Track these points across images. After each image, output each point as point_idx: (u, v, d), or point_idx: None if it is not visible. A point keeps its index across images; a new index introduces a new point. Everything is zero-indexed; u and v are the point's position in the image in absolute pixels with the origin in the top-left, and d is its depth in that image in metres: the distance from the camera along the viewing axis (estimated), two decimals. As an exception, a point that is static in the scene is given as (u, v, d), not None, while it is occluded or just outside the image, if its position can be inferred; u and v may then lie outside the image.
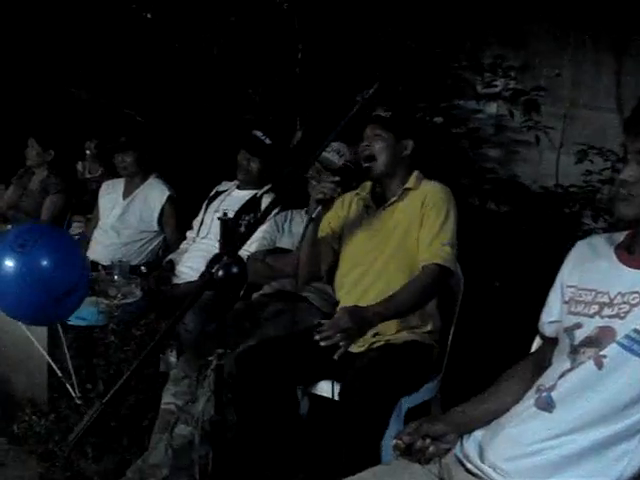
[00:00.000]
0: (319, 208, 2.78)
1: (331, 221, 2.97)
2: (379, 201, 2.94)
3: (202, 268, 3.54)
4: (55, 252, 2.79)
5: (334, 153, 3.31)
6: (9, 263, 2.71)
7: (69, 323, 3.22)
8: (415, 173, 2.93)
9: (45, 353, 3.21)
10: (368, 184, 3.01)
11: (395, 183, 2.91)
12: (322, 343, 2.40)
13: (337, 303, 3.00)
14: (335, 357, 2.41)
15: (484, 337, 3.57)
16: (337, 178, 2.83)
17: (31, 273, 2.71)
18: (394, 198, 2.88)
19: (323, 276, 3.04)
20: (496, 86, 4.57)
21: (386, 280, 2.79)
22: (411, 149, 2.92)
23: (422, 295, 2.71)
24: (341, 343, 2.41)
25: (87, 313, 3.19)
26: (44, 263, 2.74)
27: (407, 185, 2.88)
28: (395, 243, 2.82)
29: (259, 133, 3.76)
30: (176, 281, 3.75)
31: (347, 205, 3.00)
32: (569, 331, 1.75)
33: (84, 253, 3.02)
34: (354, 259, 2.91)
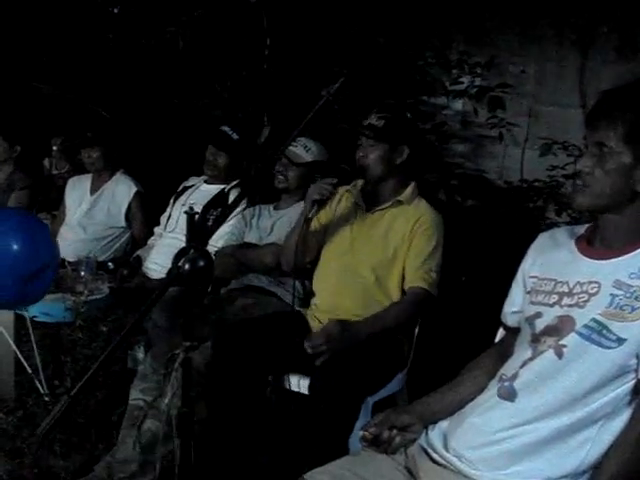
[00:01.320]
0: (315, 208, 2.86)
1: (320, 215, 2.99)
2: (369, 202, 2.97)
3: (169, 264, 3.57)
4: (23, 232, 2.76)
5: (301, 147, 3.34)
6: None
7: (36, 320, 3.20)
8: (411, 186, 2.96)
9: (15, 348, 3.18)
10: (360, 182, 3.04)
11: (388, 189, 2.95)
12: (310, 351, 2.57)
13: (305, 298, 3.05)
14: (317, 363, 2.57)
15: (450, 330, 3.61)
16: (334, 180, 2.87)
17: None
18: (385, 205, 2.92)
19: (308, 267, 3.07)
20: (462, 83, 4.61)
21: (361, 289, 2.85)
22: (406, 155, 2.93)
23: (406, 317, 2.82)
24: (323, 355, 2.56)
25: (54, 309, 3.17)
26: (12, 243, 2.71)
27: (400, 197, 2.91)
28: (378, 250, 2.86)
29: (227, 128, 3.77)
30: (143, 277, 3.73)
31: (337, 200, 3.02)
32: (530, 320, 1.77)
33: (52, 235, 2.97)
34: (335, 255, 2.95)
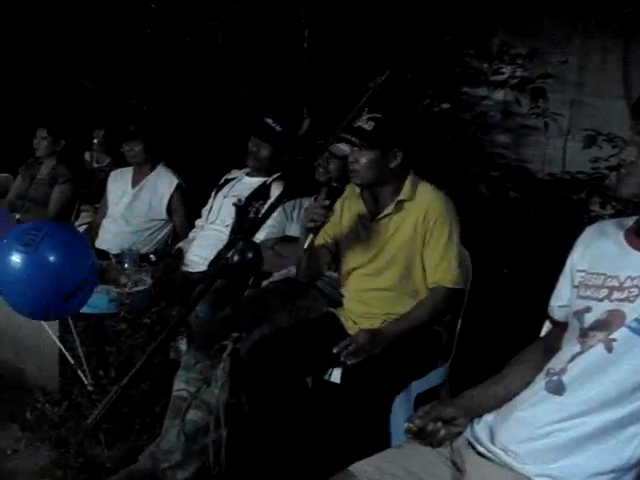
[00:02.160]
0: (311, 237, 2.68)
1: (326, 229, 2.85)
2: (372, 209, 2.88)
3: (211, 256, 3.63)
4: (61, 250, 2.77)
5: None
6: (15, 262, 2.67)
7: (80, 311, 3.23)
8: (409, 179, 2.83)
9: (57, 340, 3.23)
10: (357, 191, 2.94)
11: (387, 193, 2.83)
12: (342, 359, 2.56)
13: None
14: (349, 363, 2.56)
15: (492, 323, 3.59)
16: (327, 202, 2.66)
17: (38, 273, 2.68)
18: (388, 210, 2.81)
19: (324, 273, 3.05)
20: (503, 73, 4.57)
21: (387, 290, 2.83)
22: (401, 158, 2.80)
23: (433, 316, 2.78)
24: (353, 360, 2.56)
25: (98, 301, 3.20)
26: (51, 263, 2.72)
27: (401, 197, 2.79)
28: (394, 255, 2.81)
29: (270, 120, 3.77)
30: (185, 269, 3.76)
31: (339, 213, 2.92)
32: (579, 315, 1.75)
33: (91, 247, 2.99)
34: (354, 265, 2.92)
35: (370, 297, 2.86)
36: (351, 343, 2.60)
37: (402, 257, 2.80)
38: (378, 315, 2.82)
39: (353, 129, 2.72)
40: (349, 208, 2.94)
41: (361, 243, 2.87)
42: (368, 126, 2.73)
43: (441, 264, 2.74)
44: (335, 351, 2.58)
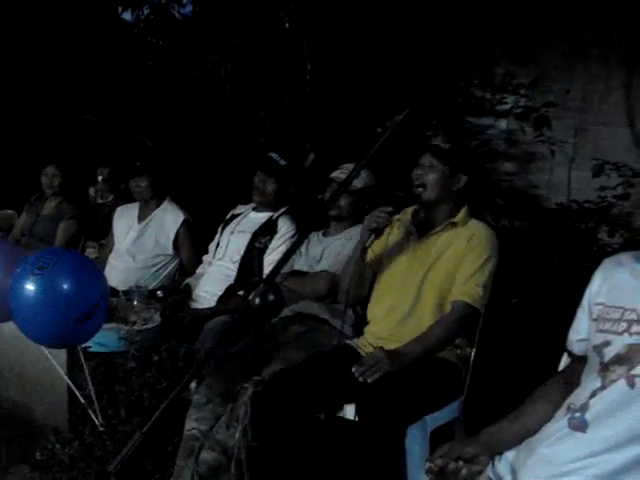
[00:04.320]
0: (372, 237, 2.83)
1: (374, 245, 2.96)
2: (422, 228, 2.95)
3: (219, 292, 3.61)
4: (75, 273, 2.78)
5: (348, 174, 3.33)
6: (29, 286, 2.68)
7: (90, 350, 3.21)
8: (465, 208, 2.93)
9: (67, 379, 3.20)
10: (410, 209, 3.03)
11: (442, 213, 2.92)
12: (360, 379, 2.54)
13: (358, 326, 3.05)
14: (369, 381, 2.55)
15: (503, 355, 3.56)
16: (390, 208, 2.82)
17: (52, 295, 2.69)
18: (439, 228, 2.90)
19: (365, 295, 3.06)
20: (506, 103, 4.59)
21: (418, 314, 2.83)
22: (464, 184, 2.91)
23: (448, 334, 2.78)
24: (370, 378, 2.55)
25: (108, 339, 3.18)
26: (64, 285, 2.73)
27: (454, 219, 2.89)
28: (434, 275, 2.84)
29: (274, 155, 3.78)
30: (193, 305, 3.74)
31: (387, 230, 2.98)
32: (598, 349, 1.74)
33: (102, 273, 2.99)
34: (390, 284, 2.94)
35: (403, 318, 2.85)
36: (367, 360, 2.60)
37: (441, 278, 2.82)
38: (409, 337, 2.79)
39: (430, 146, 2.86)
40: (398, 227, 3.01)
41: (403, 258, 2.93)
42: (445, 146, 2.85)
43: (468, 282, 2.77)
44: (354, 370, 2.56)
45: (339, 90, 4.61)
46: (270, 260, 3.50)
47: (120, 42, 5.36)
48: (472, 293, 2.76)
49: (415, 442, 2.57)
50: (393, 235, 3.01)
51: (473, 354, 2.93)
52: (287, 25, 4.78)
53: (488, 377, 3.17)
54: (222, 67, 4.92)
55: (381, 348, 2.69)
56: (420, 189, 2.89)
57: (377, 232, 2.83)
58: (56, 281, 2.72)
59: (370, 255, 2.99)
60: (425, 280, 2.85)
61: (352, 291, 2.88)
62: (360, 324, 3.10)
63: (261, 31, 4.77)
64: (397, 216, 3.03)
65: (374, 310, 2.98)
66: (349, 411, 2.74)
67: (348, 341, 2.98)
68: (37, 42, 5.78)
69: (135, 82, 5.35)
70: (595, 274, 1.89)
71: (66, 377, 3.21)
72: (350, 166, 3.40)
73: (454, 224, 2.89)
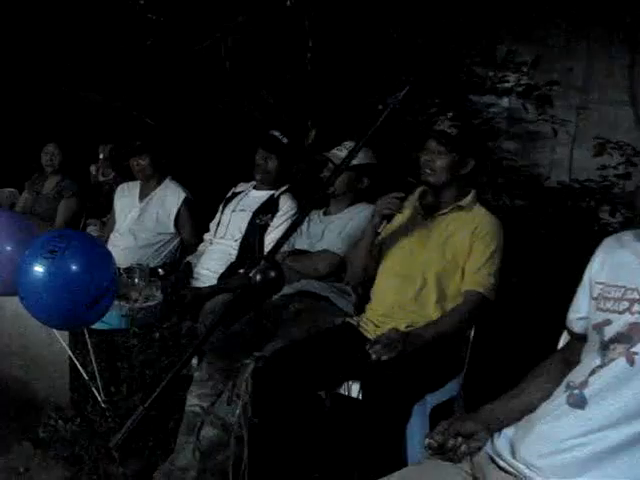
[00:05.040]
0: (385, 222, 2.86)
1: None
2: (428, 209, 2.96)
3: (220, 270, 3.63)
4: (86, 257, 2.78)
5: (346, 151, 3.35)
6: (39, 269, 2.69)
7: (92, 327, 3.23)
8: (472, 193, 2.93)
9: (72, 355, 3.21)
10: (417, 191, 3.03)
11: (449, 196, 2.92)
12: (374, 357, 2.53)
13: (359, 305, 3.08)
14: (382, 359, 2.54)
15: (502, 332, 3.57)
16: (402, 194, 2.84)
17: (62, 279, 2.69)
18: (445, 210, 2.91)
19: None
20: (508, 81, 4.57)
21: (422, 294, 2.84)
22: (471, 168, 2.90)
23: (461, 322, 2.80)
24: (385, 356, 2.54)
25: (109, 317, 3.17)
26: (75, 269, 2.73)
27: (461, 203, 2.89)
28: (439, 255, 2.85)
29: (276, 132, 3.77)
30: (195, 283, 3.75)
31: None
32: (598, 328, 1.74)
33: (112, 256, 3.00)
34: (395, 261, 2.95)
35: (404, 295, 2.87)
36: (382, 340, 2.60)
37: (445, 259, 2.84)
38: (407, 316, 2.83)
39: (436, 132, 2.85)
40: (406, 207, 3.00)
41: (408, 237, 2.94)
42: (451, 131, 2.84)
43: (479, 272, 2.79)
44: (370, 351, 2.56)
45: (341, 67, 4.59)
46: (271, 238, 3.48)
47: (121, 19, 5.32)
48: (485, 283, 2.78)
49: (415, 419, 2.58)
50: (400, 215, 2.99)
51: (473, 332, 2.95)
52: (289, 2, 4.74)
53: (488, 355, 3.18)
54: (222, 44, 4.90)
55: (395, 329, 2.69)
56: (428, 171, 2.88)
57: (389, 218, 2.86)
58: (67, 267, 2.72)
59: (378, 237, 2.98)
60: (429, 260, 2.85)
61: (362, 274, 2.95)
62: (361, 303, 3.11)
63: (263, 8, 4.74)
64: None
65: (378, 288, 2.99)
66: (354, 389, 2.76)
67: (349, 319, 2.99)
68: (38, 19, 5.75)
69: (136, 59, 5.33)
70: (596, 253, 1.89)
71: (71, 353, 3.22)
72: (351, 144, 3.39)
73: (461, 207, 2.89)
